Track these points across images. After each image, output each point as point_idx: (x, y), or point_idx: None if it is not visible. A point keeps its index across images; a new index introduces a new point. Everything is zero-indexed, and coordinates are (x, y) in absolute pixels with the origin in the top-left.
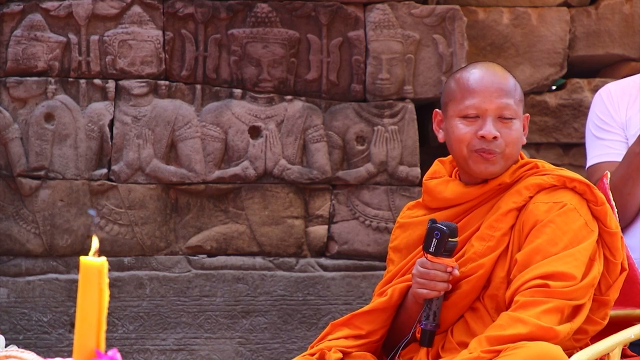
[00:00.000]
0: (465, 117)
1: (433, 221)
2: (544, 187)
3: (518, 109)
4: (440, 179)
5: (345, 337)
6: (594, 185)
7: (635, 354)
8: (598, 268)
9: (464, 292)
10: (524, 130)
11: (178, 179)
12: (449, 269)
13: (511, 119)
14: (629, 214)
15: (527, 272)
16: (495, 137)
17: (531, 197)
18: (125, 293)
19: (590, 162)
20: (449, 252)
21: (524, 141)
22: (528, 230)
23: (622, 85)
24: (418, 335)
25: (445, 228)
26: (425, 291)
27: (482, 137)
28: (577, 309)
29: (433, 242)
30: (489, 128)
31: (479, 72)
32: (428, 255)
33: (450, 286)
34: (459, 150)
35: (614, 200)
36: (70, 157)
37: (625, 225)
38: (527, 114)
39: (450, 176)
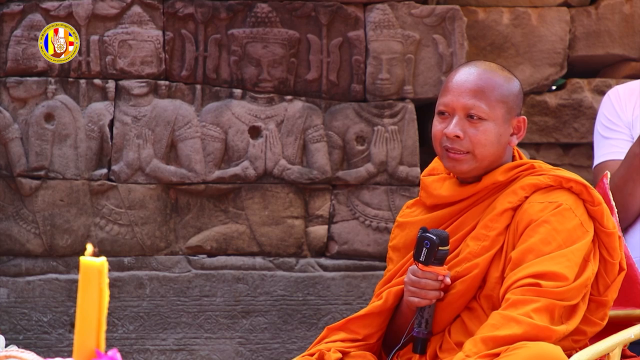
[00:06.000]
0: (439, 113)
1: (424, 230)
2: (540, 187)
3: (493, 111)
4: (437, 176)
5: (342, 341)
6: (596, 184)
7: (635, 354)
8: (592, 269)
9: (459, 291)
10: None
11: (178, 179)
12: (440, 278)
13: (480, 119)
14: (631, 213)
15: (519, 270)
16: (457, 136)
17: (527, 197)
18: (125, 293)
19: (596, 161)
20: (440, 260)
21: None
22: (522, 229)
23: (631, 86)
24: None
25: (435, 237)
26: (416, 299)
27: (446, 135)
28: (572, 311)
29: (423, 252)
30: (452, 127)
31: (462, 70)
32: (419, 264)
33: (442, 294)
34: (435, 146)
35: (615, 200)
36: (70, 157)
37: (627, 225)
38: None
39: (448, 174)
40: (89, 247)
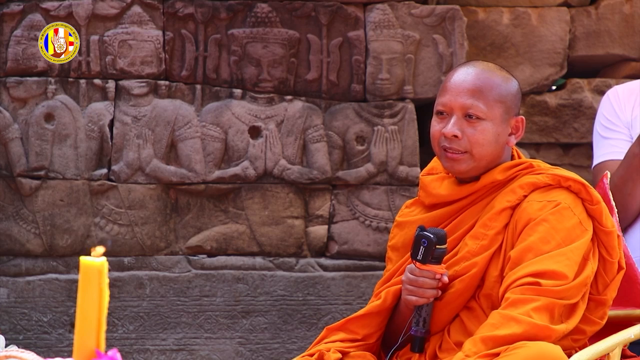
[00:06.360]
0: (437, 113)
1: (421, 228)
2: (539, 186)
3: (491, 110)
4: (436, 176)
5: (342, 341)
6: (596, 184)
7: (635, 354)
8: (592, 267)
9: (457, 291)
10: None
11: (178, 179)
12: (438, 276)
13: (478, 119)
14: (630, 213)
15: (519, 269)
16: (455, 136)
17: (525, 196)
18: (125, 293)
19: (596, 161)
20: (438, 259)
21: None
22: (521, 228)
23: (630, 86)
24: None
25: (432, 236)
26: (414, 298)
27: (444, 135)
28: (572, 309)
29: (420, 250)
30: (450, 126)
31: (461, 70)
32: (416, 262)
33: (440, 292)
34: (433, 146)
35: (615, 200)
36: (70, 157)
37: (627, 225)
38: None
39: (447, 174)
40: (99, 249)
